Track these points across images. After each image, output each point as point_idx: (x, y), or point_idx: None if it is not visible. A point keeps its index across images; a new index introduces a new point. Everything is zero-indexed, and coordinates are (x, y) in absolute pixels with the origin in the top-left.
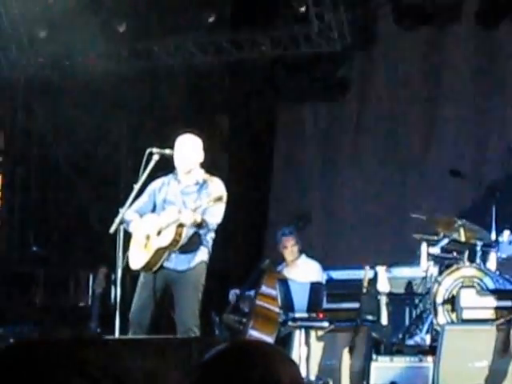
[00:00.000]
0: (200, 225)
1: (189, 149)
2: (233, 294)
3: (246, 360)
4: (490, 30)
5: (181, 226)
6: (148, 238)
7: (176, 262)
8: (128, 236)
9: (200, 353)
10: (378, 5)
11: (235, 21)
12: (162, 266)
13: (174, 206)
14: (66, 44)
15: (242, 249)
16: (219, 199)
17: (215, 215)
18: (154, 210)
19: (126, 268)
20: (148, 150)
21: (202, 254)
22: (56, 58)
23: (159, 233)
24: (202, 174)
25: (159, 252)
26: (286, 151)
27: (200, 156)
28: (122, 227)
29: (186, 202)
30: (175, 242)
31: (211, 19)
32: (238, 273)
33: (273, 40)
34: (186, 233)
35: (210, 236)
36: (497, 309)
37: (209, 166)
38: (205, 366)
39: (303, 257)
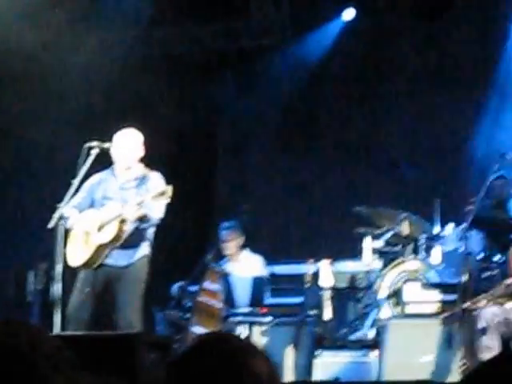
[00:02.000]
0: (142, 219)
1: (128, 144)
2: (175, 288)
3: (224, 354)
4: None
5: (123, 221)
6: (88, 234)
7: (117, 258)
8: (67, 232)
9: (143, 348)
10: None
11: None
12: (102, 263)
13: (115, 202)
14: None
15: (186, 243)
16: (162, 194)
17: (158, 210)
18: (92, 205)
19: (66, 265)
20: (86, 144)
21: (144, 249)
22: None
23: (100, 229)
24: (141, 169)
25: (100, 248)
26: (231, 144)
27: (140, 151)
28: (60, 223)
29: (126, 197)
30: (117, 237)
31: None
32: (182, 267)
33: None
34: (129, 228)
35: (152, 230)
36: (441, 303)
37: (152, 160)
38: (182, 362)
39: (246, 251)
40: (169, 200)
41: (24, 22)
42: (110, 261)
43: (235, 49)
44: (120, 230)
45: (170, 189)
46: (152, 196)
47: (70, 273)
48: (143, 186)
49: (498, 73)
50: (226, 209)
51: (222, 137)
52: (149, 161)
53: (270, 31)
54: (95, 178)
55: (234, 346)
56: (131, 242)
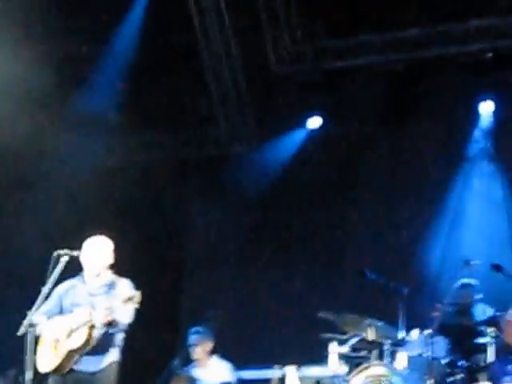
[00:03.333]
0: (111, 324)
1: (98, 251)
2: None
3: None
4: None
5: (92, 326)
6: (57, 341)
7: (86, 364)
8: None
9: None
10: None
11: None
12: (72, 370)
13: (84, 308)
14: None
15: (154, 348)
16: (131, 299)
17: (126, 315)
18: (61, 312)
19: (35, 371)
20: (55, 253)
21: (113, 355)
22: None
23: (69, 335)
24: (110, 276)
25: (70, 354)
26: (199, 253)
27: (109, 259)
28: (30, 330)
29: (94, 303)
30: (87, 343)
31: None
32: (151, 372)
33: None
34: (97, 333)
35: (121, 336)
36: None
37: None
38: None
39: (214, 357)
40: (137, 305)
41: None
42: (79, 367)
43: (201, 157)
44: (89, 336)
45: (138, 294)
46: (121, 301)
47: (39, 379)
48: (112, 292)
49: (455, 188)
50: (194, 316)
51: (191, 246)
52: (119, 267)
53: (236, 139)
54: (64, 285)
55: None
56: (100, 347)
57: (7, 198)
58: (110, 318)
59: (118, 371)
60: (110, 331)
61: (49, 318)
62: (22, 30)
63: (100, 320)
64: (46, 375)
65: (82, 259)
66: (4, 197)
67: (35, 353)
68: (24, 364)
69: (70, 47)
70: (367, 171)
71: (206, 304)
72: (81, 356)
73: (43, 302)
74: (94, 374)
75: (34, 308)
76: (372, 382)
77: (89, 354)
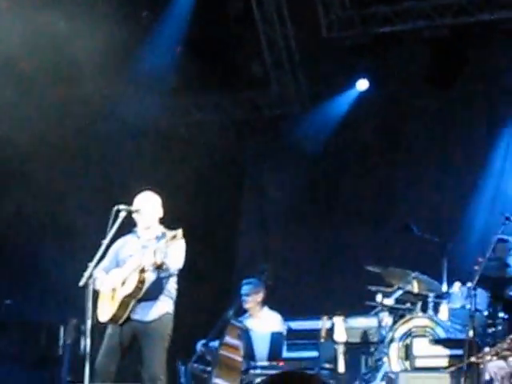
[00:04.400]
0: (161, 267)
1: (148, 206)
2: (199, 344)
3: None
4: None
5: (142, 270)
6: (114, 290)
7: (142, 314)
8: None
9: None
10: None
11: (201, 85)
12: (128, 318)
13: (135, 257)
14: None
15: (209, 300)
16: (174, 237)
17: (175, 259)
18: (117, 266)
19: (96, 322)
20: (115, 207)
21: (167, 305)
22: None
23: (123, 283)
24: (161, 229)
25: (125, 301)
26: (254, 210)
27: (159, 212)
28: (90, 282)
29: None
30: (138, 288)
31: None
32: (205, 323)
33: (236, 103)
34: (148, 278)
35: (174, 287)
36: (448, 357)
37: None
38: None
39: (265, 308)
40: (182, 241)
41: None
42: (135, 316)
43: (256, 118)
44: (140, 280)
45: (180, 231)
46: (165, 241)
47: (99, 328)
48: (162, 241)
49: (500, 144)
50: (247, 268)
51: (246, 203)
52: (172, 222)
53: (289, 101)
54: (120, 240)
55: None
56: (153, 293)
57: (64, 154)
58: (158, 260)
59: (172, 322)
60: (161, 275)
61: (107, 272)
62: None
63: (149, 262)
64: (105, 324)
65: (135, 214)
66: (62, 153)
67: (95, 304)
68: (85, 314)
69: (130, 10)
70: (413, 133)
71: (260, 258)
72: (136, 303)
73: (103, 255)
74: (149, 323)
75: (94, 260)
76: (416, 332)
77: (143, 300)
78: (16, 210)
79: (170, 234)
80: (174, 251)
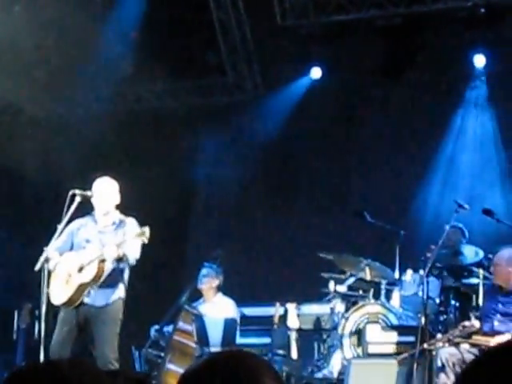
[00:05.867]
0: (121, 259)
1: (106, 191)
2: (153, 330)
3: (233, 372)
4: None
5: (103, 261)
6: (70, 274)
7: (95, 299)
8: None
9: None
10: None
11: (155, 71)
12: (82, 302)
13: (95, 244)
14: None
15: (162, 286)
16: (142, 234)
17: (135, 250)
18: (71, 249)
19: (49, 304)
20: (71, 192)
21: (120, 291)
22: None
23: (81, 269)
24: (117, 215)
25: (81, 287)
26: (206, 197)
27: (116, 198)
28: (45, 265)
29: (104, 240)
30: (98, 276)
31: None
32: (158, 309)
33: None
34: (108, 268)
35: (127, 273)
36: (400, 344)
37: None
38: (191, 379)
39: (219, 294)
40: (146, 240)
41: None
42: (88, 300)
43: (210, 104)
44: (100, 270)
45: (147, 230)
46: (132, 236)
47: (52, 312)
48: (120, 230)
49: (450, 135)
50: (200, 255)
51: (199, 189)
52: (127, 210)
53: (243, 88)
54: (76, 222)
55: (241, 366)
56: (109, 282)
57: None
58: (120, 253)
59: (123, 307)
60: (120, 266)
61: (60, 253)
62: None
63: (111, 254)
64: (59, 307)
65: (93, 199)
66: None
67: (48, 285)
68: (39, 298)
69: None
70: (366, 120)
71: (213, 244)
72: (91, 290)
73: (57, 239)
74: (101, 307)
75: (50, 245)
76: (368, 319)
77: (98, 288)
78: None
79: (137, 230)
80: (135, 244)
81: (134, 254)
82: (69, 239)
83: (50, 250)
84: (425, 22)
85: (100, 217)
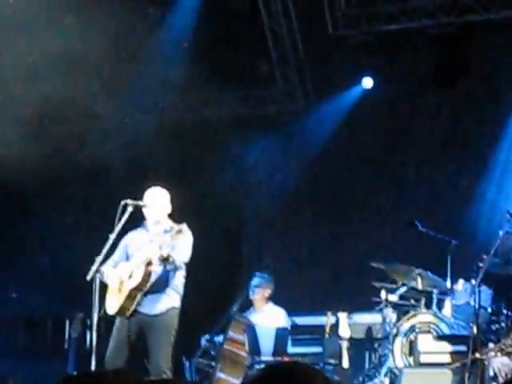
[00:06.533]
0: (167, 260)
1: (157, 201)
2: (203, 339)
3: (293, 381)
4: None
5: (149, 263)
6: (121, 283)
7: (148, 307)
8: (104, 284)
9: None
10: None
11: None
12: (135, 311)
13: (142, 250)
14: None
15: (213, 295)
16: (179, 231)
17: (181, 252)
18: (127, 260)
19: (104, 314)
20: (123, 202)
21: (174, 300)
22: None
23: (130, 276)
24: (169, 223)
25: (132, 293)
26: (259, 205)
27: (168, 208)
28: (97, 275)
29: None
30: (145, 281)
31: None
32: (209, 319)
33: (241, 99)
34: (155, 271)
35: (181, 281)
36: (452, 353)
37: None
38: None
39: (270, 303)
40: (189, 237)
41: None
42: (142, 309)
43: (261, 114)
44: (146, 273)
45: (184, 225)
46: (171, 235)
47: (105, 322)
48: (168, 234)
49: (504, 144)
50: (252, 264)
51: (251, 199)
52: (177, 218)
53: (294, 97)
54: (129, 235)
55: (299, 376)
56: (159, 287)
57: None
58: (164, 253)
59: (178, 317)
60: (168, 268)
61: (115, 267)
62: None
63: (155, 253)
64: (113, 317)
65: (144, 209)
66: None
67: (103, 297)
68: (91, 307)
69: (137, 8)
70: (419, 130)
71: (265, 254)
72: (143, 295)
73: (110, 248)
74: (155, 316)
75: (101, 254)
76: (420, 328)
77: (149, 293)
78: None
79: (175, 227)
80: (181, 244)
81: (180, 255)
82: (123, 252)
83: (106, 266)
84: (477, 31)
85: (151, 226)
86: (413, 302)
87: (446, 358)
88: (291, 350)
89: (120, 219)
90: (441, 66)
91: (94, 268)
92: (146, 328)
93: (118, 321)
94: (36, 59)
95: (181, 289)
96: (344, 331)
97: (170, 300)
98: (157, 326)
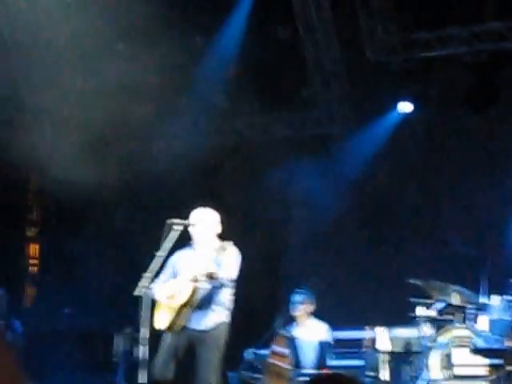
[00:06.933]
0: (213, 277)
1: (203, 221)
2: (249, 352)
3: None
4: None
5: (196, 280)
6: (171, 299)
7: (197, 323)
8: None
9: None
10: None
11: (250, 106)
12: (185, 327)
13: (190, 268)
14: None
15: (257, 310)
16: (224, 249)
17: (227, 269)
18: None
19: (152, 330)
20: (169, 221)
21: (223, 315)
22: None
23: (179, 293)
24: (217, 243)
25: (181, 309)
26: (299, 222)
27: (216, 228)
28: (145, 291)
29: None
30: (193, 296)
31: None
32: (253, 333)
33: (285, 123)
34: (202, 287)
35: (229, 298)
36: (488, 366)
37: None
38: None
39: (312, 318)
40: (236, 254)
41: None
42: (192, 325)
43: (302, 137)
44: (194, 290)
45: (230, 243)
46: (216, 253)
47: (154, 336)
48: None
49: None
50: (294, 280)
51: (291, 221)
52: (227, 238)
53: (334, 121)
54: (177, 254)
55: None
56: (207, 303)
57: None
58: (210, 270)
59: (228, 332)
60: (214, 285)
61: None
62: (140, 23)
63: (201, 272)
64: (163, 332)
65: (191, 228)
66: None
67: (151, 312)
68: (139, 323)
69: (184, 36)
70: (455, 153)
71: (307, 271)
72: (191, 312)
73: (159, 268)
74: (205, 332)
75: (148, 271)
76: (456, 342)
77: (198, 310)
78: (74, 227)
79: (221, 246)
80: (227, 262)
81: (226, 273)
82: (171, 271)
83: (156, 284)
84: (509, 59)
85: (199, 245)
86: (449, 317)
87: (482, 371)
88: (333, 362)
89: (165, 238)
90: (474, 92)
91: (141, 284)
92: (195, 343)
93: (166, 336)
94: (93, 86)
95: (229, 305)
96: (383, 344)
97: (218, 316)
98: (207, 341)
